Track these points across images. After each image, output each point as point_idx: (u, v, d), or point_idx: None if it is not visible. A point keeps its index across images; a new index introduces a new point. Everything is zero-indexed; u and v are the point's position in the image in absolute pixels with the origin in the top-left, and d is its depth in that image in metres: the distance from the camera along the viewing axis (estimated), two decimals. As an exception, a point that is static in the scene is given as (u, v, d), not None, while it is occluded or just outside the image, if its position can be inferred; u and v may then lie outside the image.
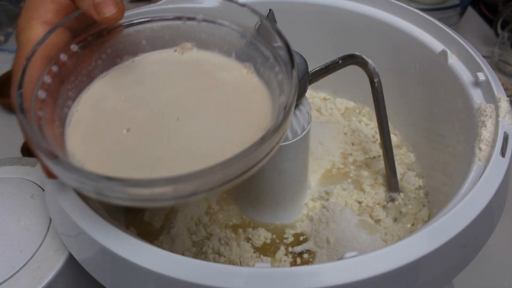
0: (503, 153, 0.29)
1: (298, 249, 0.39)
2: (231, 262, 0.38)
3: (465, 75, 0.36)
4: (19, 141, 0.61)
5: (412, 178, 0.44)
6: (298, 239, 0.40)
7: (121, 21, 0.29)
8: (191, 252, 0.39)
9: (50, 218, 0.33)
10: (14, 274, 0.31)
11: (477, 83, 0.35)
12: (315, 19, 0.48)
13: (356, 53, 0.38)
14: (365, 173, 0.45)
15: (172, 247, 0.39)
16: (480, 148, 0.31)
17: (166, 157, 0.25)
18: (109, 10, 0.26)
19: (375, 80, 0.38)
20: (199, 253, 0.39)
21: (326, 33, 0.48)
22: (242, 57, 0.30)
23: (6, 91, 0.70)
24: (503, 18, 0.76)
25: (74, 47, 0.28)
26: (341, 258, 0.24)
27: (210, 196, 0.43)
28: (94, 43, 0.29)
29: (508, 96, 0.33)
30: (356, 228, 0.38)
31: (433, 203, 0.42)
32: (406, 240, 0.24)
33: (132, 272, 0.25)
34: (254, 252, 0.39)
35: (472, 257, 0.28)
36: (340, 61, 0.38)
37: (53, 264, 0.32)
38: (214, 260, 0.38)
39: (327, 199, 0.42)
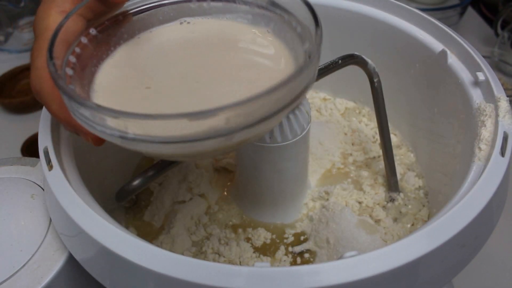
0: (502, 153, 0.29)
1: (298, 249, 0.39)
2: (231, 262, 0.38)
3: (465, 75, 0.36)
4: (19, 141, 0.61)
5: (412, 178, 0.44)
6: (298, 239, 0.40)
7: (133, 6, 0.31)
8: (191, 252, 0.39)
9: (50, 218, 0.33)
10: (14, 274, 0.31)
11: (476, 83, 0.35)
12: (315, 19, 0.48)
13: (356, 53, 0.38)
14: (365, 173, 0.45)
15: (172, 247, 0.39)
16: (479, 148, 0.31)
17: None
18: None
19: (375, 80, 0.38)
20: (199, 253, 0.39)
21: (325, 33, 0.48)
22: (257, 22, 0.31)
23: (6, 91, 0.70)
24: (503, 18, 0.76)
25: (92, 31, 0.29)
26: (340, 257, 0.24)
27: (211, 195, 0.43)
28: (111, 27, 0.30)
29: (508, 96, 0.33)
30: (356, 228, 0.38)
31: (433, 203, 0.42)
32: (406, 240, 0.24)
33: (132, 272, 0.25)
34: (254, 252, 0.39)
35: (472, 256, 0.28)
36: (340, 61, 0.38)
37: (53, 264, 0.32)
38: (214, 260, 0.38)
39: (327, 199, 0.42)
